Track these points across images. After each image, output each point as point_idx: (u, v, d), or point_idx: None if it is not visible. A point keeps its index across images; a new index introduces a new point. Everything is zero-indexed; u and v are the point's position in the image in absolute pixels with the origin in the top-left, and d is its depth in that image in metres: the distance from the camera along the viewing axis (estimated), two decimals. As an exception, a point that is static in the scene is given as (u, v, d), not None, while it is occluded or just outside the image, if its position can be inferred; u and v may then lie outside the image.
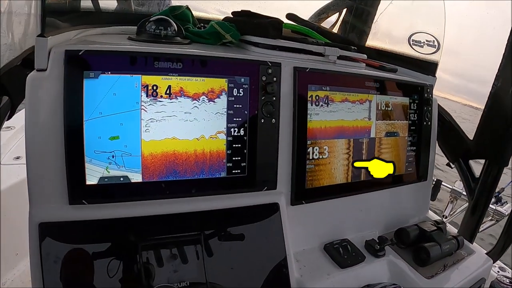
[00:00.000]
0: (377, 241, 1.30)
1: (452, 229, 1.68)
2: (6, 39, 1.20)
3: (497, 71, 1.54)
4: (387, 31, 1.94)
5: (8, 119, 1.12)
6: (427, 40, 1.62)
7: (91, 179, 0.93)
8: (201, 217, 1.04)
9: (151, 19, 1.16)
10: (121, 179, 0.96)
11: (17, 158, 2.20)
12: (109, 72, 0.92)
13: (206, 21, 1.40)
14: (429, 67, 1.61)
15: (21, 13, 1.26)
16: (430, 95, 1.54)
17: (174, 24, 1.18)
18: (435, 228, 1.40)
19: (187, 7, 1.40)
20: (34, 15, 1.22)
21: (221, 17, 1.50)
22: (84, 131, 0.90)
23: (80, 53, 0.89)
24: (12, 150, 2.26)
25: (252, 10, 1.41)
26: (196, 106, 1.01)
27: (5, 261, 1.82)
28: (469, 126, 1.84)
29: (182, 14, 1.36)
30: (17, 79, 0.92)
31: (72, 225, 0.92)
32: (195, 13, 1.49)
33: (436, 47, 1.59)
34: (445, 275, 1.31)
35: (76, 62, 0.89)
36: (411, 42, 1.66)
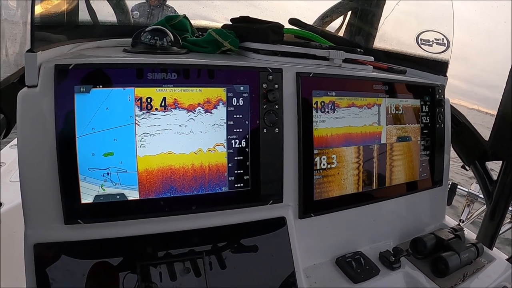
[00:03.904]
0: (392, 252, 1.25)
1: (471, 234, 1.61)
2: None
3: (511, 65, 1.48)
4: (394, 33, 1.90)
5: (4, 137, 1.10)
6: (435, 39, 1.57)
7: (86, 198, 0.89)
8: (203, 235, 0.99)
9: (146, 30, 1.13)
10: (117, 197, 0.92)
11: None
12: (101, 86, 0.89)
13: (206, 30, 1.36)
14: (440, 67, 1.55)
15: (18, 23, 1.24)
16: (442, 96, 1.48)
17: (170, 34, 1.15)
18: (453, 236, 1.34)
19: (185, 16, 1.36)
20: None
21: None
22: (77, 148, 0.87)
23: (70, 67, 0.86)
24: None
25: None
26: (191, 118, 0.97)
27: (15, 278, 1.80)
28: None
29: (179, 24, 1.33)
30: (13, 97, 0.89)
31: (68, 245, 0.88)
32: (203, 22, 1.45)
33: (446, 45, 1.54)
34: (465, 285, 1.25)
35: (66, 77, 0.86)
36: (420, 42, 1.61)
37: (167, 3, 2.70)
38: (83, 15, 1.40)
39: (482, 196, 2.13)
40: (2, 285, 1.77)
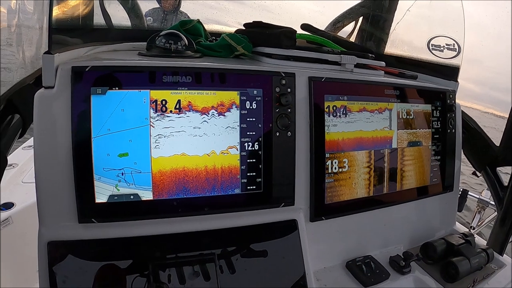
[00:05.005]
0: (402, 257, 1.24)
1: (481, 241, 1.60)
2: (17, 56, 1.21)
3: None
4: (406, 39, 1.90)
5: (20, 137, 1.12)
6: (446, 44, 1.57)
7: (101, 197, 0.91)
8: (215, 236, 1.01)
9: (161, 34, 1.14)
10: (131, 197, 0.93)
11: None
12: (117, 88, 0.90)
13: (219, 34, 1.38)
14: (451, 72, 1.54)
15: (34, 27, 1.26)
16: (453, 101, 1.48)
17: (185, 38, 1.16)
18: (463, 241, 1.33)
19: (199, 21, 1.38)
20: (47, 31, 1.22)
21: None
22: (93, 148, 0.89)
23: (86, 69, 0.88)
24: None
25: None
26: (205, 121, 0.98)
27: (26, 278, 1.82)
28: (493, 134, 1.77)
29: (193, 28, 1.35)
30: (29, 98, 0.91)
31: (81, 244, 0.90)
32: (214, 26, 1.46)
33: (457, 50, 1.54)
34: (475, 291, 1.24)
35: (83, 79, 0.88)
36: (431, 47, 1.61)
37: (180, 8, 2.73)
38: (98, 19, 1.42)
39: (493, 203, 2.12)
40: (13, 285, 1.78)
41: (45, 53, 0.86)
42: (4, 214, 1.80)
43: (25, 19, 1.28)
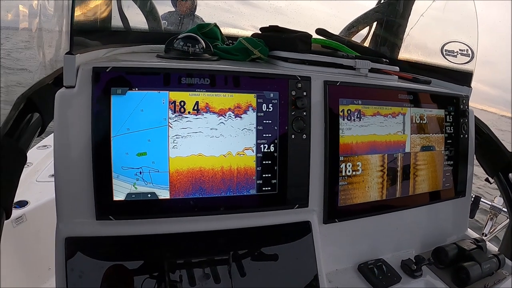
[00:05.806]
0: (414, 260, 1.24)
1: (492, 247, 1.60)
2: (37, 57, 1.24)
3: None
4: (419, 44, 1.90)
5: (39, 135, 1.14)
6: (460, 50, 1.57)
7: (119, 195, 0.92)
8: (230, 235, 1.02)
9: (179, 37, 1.16)
10: (149, 195, 0.95)
11: (53, 175, 2.25)
12: (136, 89, 0.92)
13: (235, 38, 1.40)
14: (464, 77, 1.55)
15: (54, 30, 1.29)
16: (466, 107, 1.48)
17: (202, 41, 1.18)
18: (475, 246, 1.33)
19: (215, 25, 1.40)
20: (66, 34, 1.25)
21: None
22: (112, 147, 0.91)
23: (107, 70, 0.90)
24: (48, 168, 2.31)
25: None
26: (222, 122, 1.00)
27: (38, 275, 1.84)
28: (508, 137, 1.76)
29: (210, 32, 1.36)
30: (48, 97, 0.93)
31: (98, 240, 0.92)
32: (230, 30, 1.48)
33: (470, 56, 1.54)
34: (486, 296, 1.24)
35: (103, 79, 0.90)
36: (444, 53, 1.61)
37: (195, 13, 2.74)
38: (115, 22, 1.45)
39: (505, 210, 2.10)
40: (26, 282, 1.81)
41: (66, 53, 0.88)
42: (18, 212, 1.83)
43: (45, 21, 1.30)
